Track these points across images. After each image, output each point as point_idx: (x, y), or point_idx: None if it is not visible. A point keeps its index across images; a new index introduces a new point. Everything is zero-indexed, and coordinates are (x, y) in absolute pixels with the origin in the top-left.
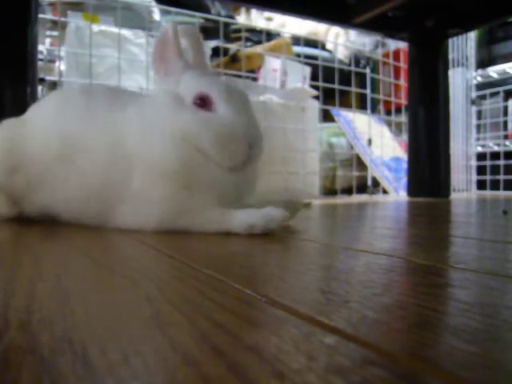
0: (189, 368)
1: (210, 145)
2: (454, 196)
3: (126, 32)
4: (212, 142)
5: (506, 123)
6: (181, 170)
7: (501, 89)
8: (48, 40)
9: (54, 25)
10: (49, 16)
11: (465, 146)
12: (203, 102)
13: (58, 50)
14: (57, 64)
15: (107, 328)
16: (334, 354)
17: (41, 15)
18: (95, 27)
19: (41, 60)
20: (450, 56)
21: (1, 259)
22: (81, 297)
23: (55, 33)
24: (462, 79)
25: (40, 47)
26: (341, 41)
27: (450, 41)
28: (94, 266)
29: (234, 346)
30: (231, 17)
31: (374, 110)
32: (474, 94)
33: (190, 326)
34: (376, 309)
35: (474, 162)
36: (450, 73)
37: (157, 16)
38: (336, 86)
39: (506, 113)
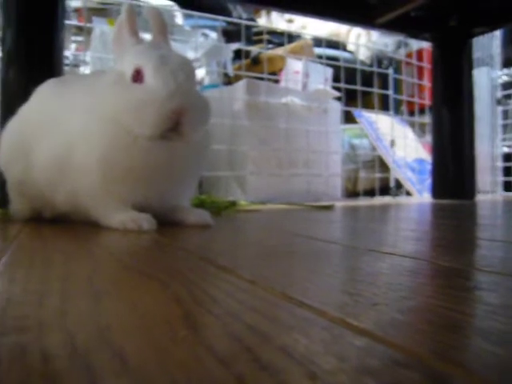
0: (223, 368)
1: (128, 115)
2: (479, 198)
3: (149, 36)
4: (128, 111)
5: None
6: (101, 166)
7: None
8: (73, 45)
9: (79, 30)
10: (74, 22)
11: (490, 146)
12: (137, 75)
13: (84, 55)
14: (82, 69)
15: (140, 328)
16: (365, 356)
17: (66, 21)
18: None
19: (67, 65)
20: (475, 55)
21: (33, 259)
22: (112, 297)
23: (80, 38)
24: (487, 78)
25: (66, 52)
26: (362, 41)
27: (475, 39)
28: (122, 267)
29: (266, 347)
30: (252, 19)
31: (397, 110)
32: (499, 94)
33: (221, 327)
34: (404, 311)
35: (500, 163)
36: (475, 72)
37: (179, 20)
38: (358, 87)
39: None
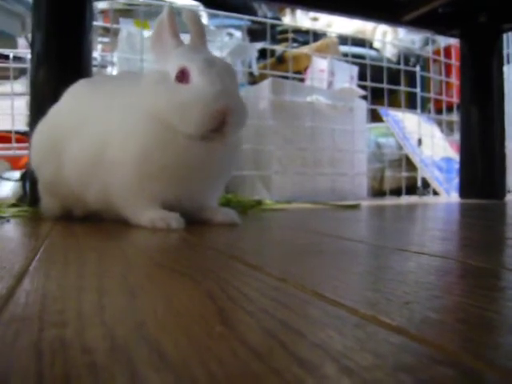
0: (260, 363)
1: (174, 114)
2: (509, 198)
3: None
4: (174, 110)
5: None
6: (137, 162)
7: None
8: (99, 46)
9: (105, 31)
10: (100, 23)
11: None
12: (182, 76)
13: (111, 55)
14: (109, 69)
15: (176, 323)
16: (400, 353)
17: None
18: (146, 33)
19: (94, 66)
20: (505, 52)
21: (66, 257)
22: (147, 293)
23: (106, 39)
24: None
25: (94, 54)
26: (389, 39)
27: (505, 35)
28: (154, 265)
29: (300, 343)
30: (277, 18)
31: (424, 108)
32: None
33: (255, 323)
34: (436, 310)
35: None
36: (505, 69)
37: (204, 20)
38: (384, 86)
39: None
